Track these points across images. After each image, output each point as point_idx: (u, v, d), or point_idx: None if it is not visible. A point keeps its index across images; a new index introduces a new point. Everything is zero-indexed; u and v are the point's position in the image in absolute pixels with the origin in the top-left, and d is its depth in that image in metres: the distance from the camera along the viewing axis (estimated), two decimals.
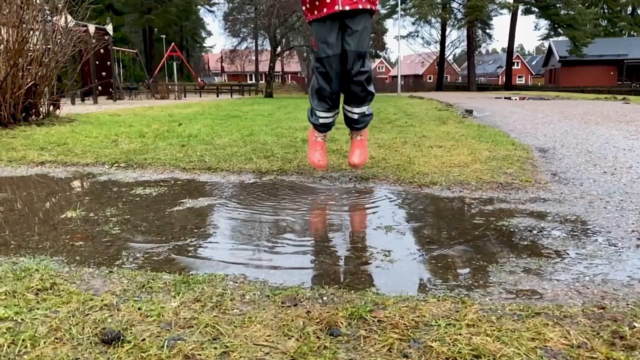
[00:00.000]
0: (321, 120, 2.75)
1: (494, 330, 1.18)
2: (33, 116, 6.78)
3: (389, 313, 1.28)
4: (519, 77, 62.89)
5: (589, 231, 2.04)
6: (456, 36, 51.87)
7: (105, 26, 15.89)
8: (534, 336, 1.16)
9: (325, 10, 2.51)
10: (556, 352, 1.10)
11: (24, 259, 1.70)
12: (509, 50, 42.30)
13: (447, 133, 5.44)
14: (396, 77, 31.77)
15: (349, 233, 2.08)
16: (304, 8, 2.67)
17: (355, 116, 2.74)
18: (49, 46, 6.95)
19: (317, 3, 2.54)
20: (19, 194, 2.80)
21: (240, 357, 1.09)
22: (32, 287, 1.43)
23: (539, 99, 16.88)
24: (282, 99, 19.66)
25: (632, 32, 50.15)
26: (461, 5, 39.78)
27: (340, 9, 2.48)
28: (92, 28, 13.43)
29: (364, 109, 2.70)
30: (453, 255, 1.77)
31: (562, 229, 2.06)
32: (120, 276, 1.54)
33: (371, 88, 2.64)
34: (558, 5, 37.76)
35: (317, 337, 1.16)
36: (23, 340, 1.13)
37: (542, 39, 46.41)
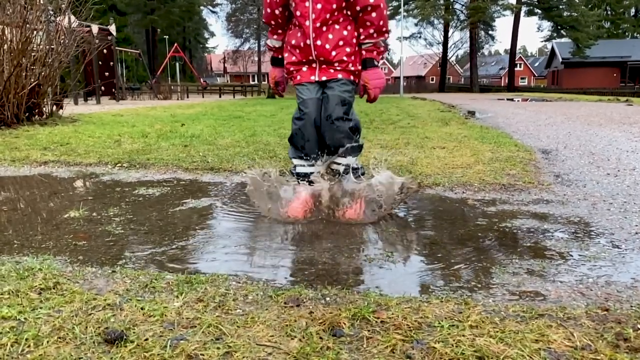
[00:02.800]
0: (298, 169, 2.42)
1: (497, 332, 1.18)
2: (36, 116, 6.79)
3: (392, 314, 1.27)
4: (522, 78, 62.80)
5: (592, 233, 2.03)
6: (459, 37, 51.97)
7: (108, 26, 15.92)
8: (538, 338, 1.16)
9: (299, 78, 2.35)
10: (560, 354, 1.10)
11: (27, 259, 1.70)
12: (512, 51, 42.26)
13: (450, 134, 5.43)
14: (399, 78, 31.77)
15: (351, 234, 2.07)
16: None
17: (341, 168, 2.36)
18: (52, 46, 6.97)
19: (293, 72, 2.37)
20: (22, 194, 2.81)
21: (243, 357, 1.08)
22: (35, 286, 1.43)
23: (542, 101, 16.87)
24: (285, 99, 19.70)
25: (635, 34, 50.04)
26: (464, 7, 39.76)
27: (317, 80, 2.31)
28: (95, 28, 13.46)
29: (349, 160, 2.35)
30: (456, 256, 1.77)
31: (565, 231, 2.06)
32: (123, 276, 1.54)
33: (357, 141, 2.38)
34: (561, 6, 37.72)
35: (320, 338, 1.16)
36: (26, 339, 1.13)
37: (545, 41, 46.35)
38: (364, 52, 2.29)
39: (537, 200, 2.59)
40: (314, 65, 2.32)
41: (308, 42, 2.26)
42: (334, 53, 2.26)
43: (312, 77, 2.32)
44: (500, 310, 1.31)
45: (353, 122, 2.34)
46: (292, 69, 2.38)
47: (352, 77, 2.32)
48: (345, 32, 2.25)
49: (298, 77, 2.35)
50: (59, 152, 4.17)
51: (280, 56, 2.48)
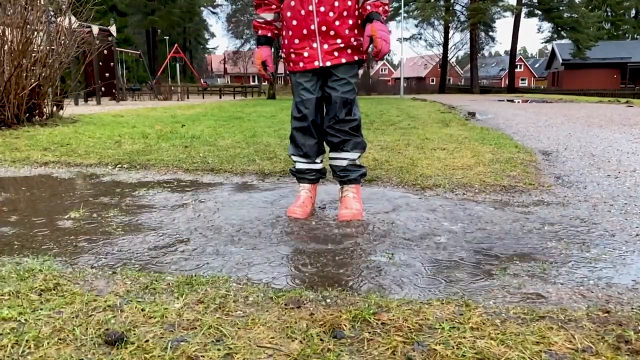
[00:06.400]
0: (298, 165, 2.41)
1: (498, 334, 1.18)
2: (37, 117, 6.79)
3: (393, 316, 1.27)
4: (522, 79, 62.76)
5: (593, 235, 2.03)
6: (459, 39, 51.90)
7: (108, 27, 15.94)
8: (539, 340, 1.15)
9: (301, 64, 2.24)
10: (561, 356, 1.09)
11: (27, 259, 1.70)
12: (512, 52, 42.24)
13: (450, 135, 5.43)
14: (399, 79, 31.80)
15: (351, 235, 2.07)
16: (283, 55, 2.37)
17: (344, 162, 2.35)
18: (52, 47, 6.97)
19: (293, 56, 2.26)
20: (22, 194, 2.81)
21: (244, 358, 1.08)
22: (36, 287, 1.43)
23: (542, 102, 16.86)
24: (285, 100, 19.71)
25: (635, 35, 50.08)
26: (464, 8, 39.77)
27: (321, 65, 2.22)
28: (95, 29, 13.47)
29: (354, 155, 2.34)
30: (456, 258, 1.77)
31: (566, 233, 2.05)
32: (124, 277, 1.54)
33: (360, 137, 2.35)
34: (561, 8, 37.72)
35: (321, 340, 1.16)
36: (27, 340, 1.13)
37: (545, 42, 46.43)
38: (368, 7, 2.15)
39: (537, 201, 2.59)
40: (314, 45, 2.21)
41: (310, 8, 2.16)
42: (337, 23, 2.17)
43: (316, 63, 2.22)
44: (501, 312, 1.31)
45: (356, 122, 2.31)
46: (292, 51, 2.26)
47: (356, 57, 2.25)
48: (349, 3, 2.18)
49: (301, 64, 2.25)
50: (59, 152, 4.17)
51: (269, 34, 2.34)
